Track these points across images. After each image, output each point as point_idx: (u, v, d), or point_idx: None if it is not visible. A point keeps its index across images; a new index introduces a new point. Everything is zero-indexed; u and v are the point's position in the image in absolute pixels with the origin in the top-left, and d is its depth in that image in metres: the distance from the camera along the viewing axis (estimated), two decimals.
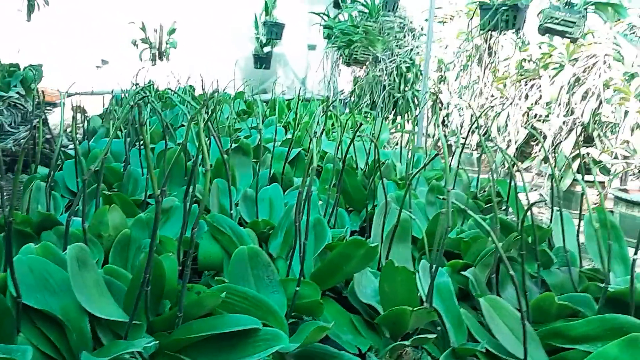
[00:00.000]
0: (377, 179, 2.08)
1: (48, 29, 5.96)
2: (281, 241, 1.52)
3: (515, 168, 2.11)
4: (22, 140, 5.72)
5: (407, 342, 1.00)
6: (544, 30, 2.65)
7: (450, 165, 2.31)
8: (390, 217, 1.62)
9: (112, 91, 4.84)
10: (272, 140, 2.59)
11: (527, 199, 1.60)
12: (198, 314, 1.03)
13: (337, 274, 1.21)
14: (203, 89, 3.71)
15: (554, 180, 2.05)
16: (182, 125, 3.23)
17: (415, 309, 0.99)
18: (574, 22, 2.49)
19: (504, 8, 2.71)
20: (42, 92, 5.62)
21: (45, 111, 5.81)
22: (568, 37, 2.64)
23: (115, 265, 1.22)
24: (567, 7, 2.50)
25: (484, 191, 2.36)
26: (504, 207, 2.08)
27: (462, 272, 1.31)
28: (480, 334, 1.16)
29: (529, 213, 1.41)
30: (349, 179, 2.04)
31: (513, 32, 3.21)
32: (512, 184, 1.86)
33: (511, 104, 5.62)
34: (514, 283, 1.05)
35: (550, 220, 1.77)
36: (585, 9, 2.53)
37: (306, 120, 3.72)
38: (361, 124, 2.12)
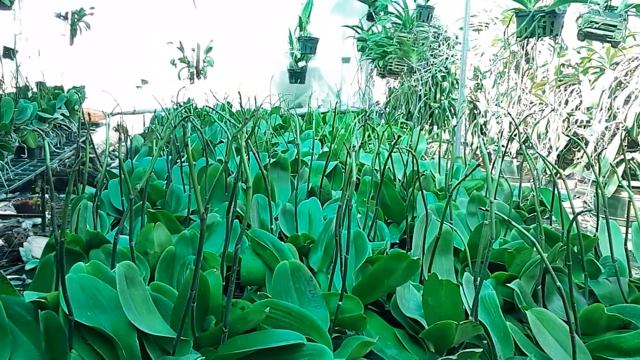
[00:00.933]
0: (417, 190, 2.08)
1: (90, 51, 6.17)
2: (321, 255, 1.53)
3: (557, 176, 2.06)
4: (66, 160, 5.90)
5: (453, 357, 0.99)
6: (584, 36, 2.60)
7: (491, 174, 2.28)
8: (431, 229, 1.61)
9: (155, 111, 4.97)
10: (309, 153, 2.61)
11: (572, 207, 1.56)
12: (243, 329, 1.04)
13: (379, 287, 1.21)
14: (241, 106, 3.76)
15: (598, 187, 2.00)
16: (221, 142, 3.28)
17: (460, 323, 0.98)
18: (615, 26, 2.43)
19: (540, 14, 2.66)
20: (88, 113, 5.81)
21: (89, 131, 5.99)
22: (609, 41, 2.58)
23: (161, 282, 1.24)
24: (607, 10, 2.44)
25: (527, 200, 2.32)
26: (547, 216, 2.04)
27: (507, 284, 1.28)
28: (527, 348, 1.14)
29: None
30: (388, 191, 2.04)
31: (551, 38, 3.15)
32: (556, 192, 1.83)
33: (552, 110, 5.52)
34: (561, 295, 1.03)
35: (596, 228, 1.73)
36: (626, 11, 2.47)
37: (342, 132, 3.73)
38: (399, 136, 2.12)
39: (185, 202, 2.02)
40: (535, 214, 1.94)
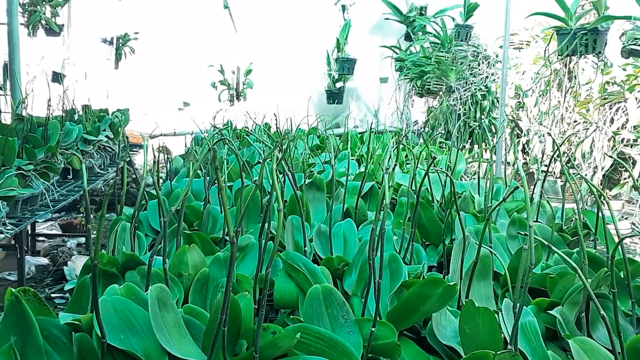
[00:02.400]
0: (454, 212, 2.04)
1: (134, 75, 6.34)
2: (356, 278, 1.51)
3: (601, 197, 1.99)
4: (110, 181, 6.04)
5: None
6: (628, 53, 2.53)
7: (532, 195, 2.22)
8: (470, 253, 1.57)
9: (192, 132, 5.05)
10: (345, 174, 2.60)
11: (616, 229, 1.50)
12: (274, 355, 1.02)
13: (414, 313, 1.18)
14: (277, 127, 3.80)
15: None
16: (259, 163, 3.30)
17: (498, 352, 0.94)
18: None
19: (582, 32, 2.61)
20: (127, 136, 5.93)
21: (131, 153, 6.14)
22: None
23: (194, 304, 1.24)
24: None
25: (570, 222, 2.25)
26: (591, 239, 1.96)
27: (549, 311, 1.23)
28: None
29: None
30: (425, 213, 2.01)
31: (594, 56, 3.08)
32: (600, 214, 1.76)
33: (596, 129, 5.37)
34: (606, 323, 0.98)
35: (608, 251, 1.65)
36: None
37: (379, 153, 3.71)
38: (434, 157, 2.08)
39: (221, 223, 2.03)
40: (579, 237, 1.88)
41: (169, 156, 3.89)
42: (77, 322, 1.01)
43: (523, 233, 1.40)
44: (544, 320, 1.31)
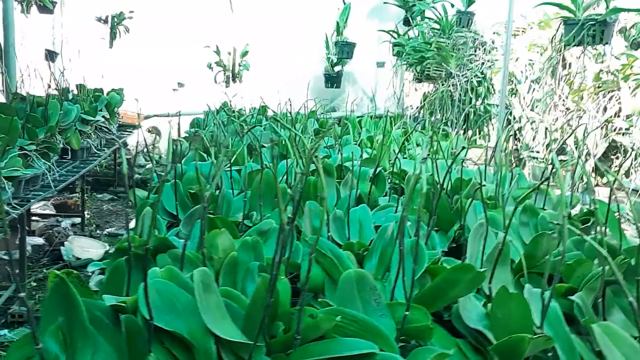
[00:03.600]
0: (464, 199, 2.08)
1: (128, 55, 6.28)
2: (376, 263, 1.54)
3: (615, 184, 2.04)
4: (103, 162, 5.98)
5: None
6: (638, 45, 2.57)
7: (541, 183, 2.26)
8: (487, 239, 1.62)
9: (190, 114, 5.02)
10: (349, 159, 2.63)
11: (635, 217, 1.55)
12: (312, 337, 1.06)
13: (441, 298, 1.22)
14: (288, 110, 3.78)
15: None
16: (263, 146, 3.31)
17: (534, 337, 0.98)
18: None
19: (590, 23, 2.64)
20: (122, 116, 5.88)
21: (125, 133, 6.10)
22: None
23: (224, 286, 1.27)
24: None
25: (572, 210, 2.30)
26: (598, 227, 2.01)
27: (570, 297, 1.28)
28: None
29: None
30: (434, 198, 2.04)
31: (603, 46, 3.12)
32: (609, 202, 1.81)
33: (589, 117, 5.44)
34: (634, 309, 1.02)
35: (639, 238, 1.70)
36: None
37: (380, 139, 3.73)
38: (463, 147, 2.12)
39: (235, 206, 2.05)
40: (591, 224, 1.93)
41: (158, 137, 3.85)
42: (122, 304, 1.03)
43: (555, 222, 1.43)
44: (561, 306, 1.36)
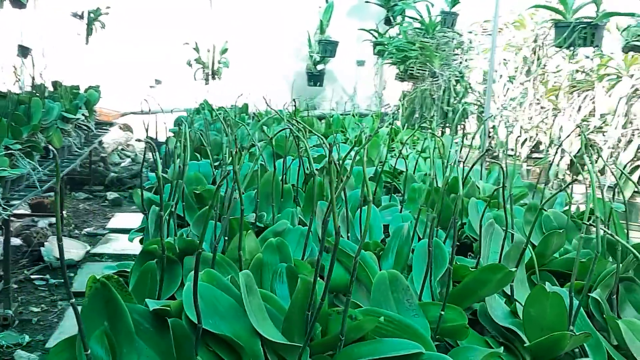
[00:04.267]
0: (466, 198, 2.12)
1: (105, 51, 6.17)
2: (393, 262, 1.56)
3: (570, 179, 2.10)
4: (85, 160, 5.87)
5: None
6: (629, 48, 2.65)
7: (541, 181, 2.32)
8: (495, 238, 1.66)
9: (172, 111, 4.96)
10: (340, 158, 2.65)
11: (626, 215, 1.60)
12: (354, 338, 1.07)
13: (470, 297, 1.25)
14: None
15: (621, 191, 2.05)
16: (253, 145, 3.30)
17: (575, 334, 1.02)
18: None
19: (582, 25, 2.72)
20: (99, 114, 5.76)
21: (102, 131, 5.99)
22: None
23: None
24: None
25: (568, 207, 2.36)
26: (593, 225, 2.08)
27: (589, 294, 1.32)
28: (617, 357, 1.18)
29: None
30: (438, 198, 2.07)
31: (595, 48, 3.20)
32: (611, 200, 1.87)
33: (564, 116, 5.57)
34: None
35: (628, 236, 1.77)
36: None
37: (368, 137, 3.75)
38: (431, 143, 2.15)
39: (239, 207, 2.04)
40: (596, 223, 1.98)
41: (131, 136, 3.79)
42: (166, 308, 1.03)
43: (588, 223, 1.47)
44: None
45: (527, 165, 6.46)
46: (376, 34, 5.44)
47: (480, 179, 2.69)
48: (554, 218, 1.94)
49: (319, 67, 5.57)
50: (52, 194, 5.82)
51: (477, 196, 2.33)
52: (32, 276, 3.98)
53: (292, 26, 5.89)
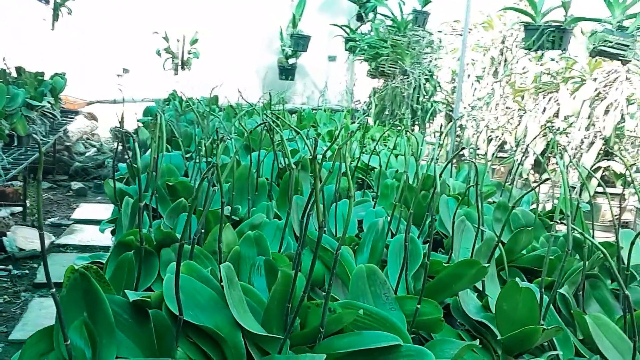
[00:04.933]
0: (437, 195, 2.15)
1: (71, 37, 6.02)
2: (368, 257, 1.59)
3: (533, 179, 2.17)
4: (50, 149, 5.74)
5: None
6: (597, 53, 2.74)
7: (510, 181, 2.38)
8: (466, 235, 1.71)
9: (143, 100, 4.89)
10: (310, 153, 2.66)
11: (613, 216, 1.66)
12: (333, 330, 1.09)
13: (445, 292, 1.28)
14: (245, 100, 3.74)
15: (588, 191, 2.12)
16: (228, 139, 3.28)
17: (548, 327, 1.05)
18: (627, 45, 2.57)
19: (550, 29, 2.79)
20: (64, 101, 5.63)
21: (67, 119, 5.86)
22: (621, 60, 2.72)
23: None
24: (619, 30, 2.58)
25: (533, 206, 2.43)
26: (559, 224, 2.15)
27: (558, 290, 1.37)
28: (584, 351, 1.23)
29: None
30: (411, 195, 2.11)
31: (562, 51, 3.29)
32: (575, 199, 1.93)
33: (530, 117, 5.70)
34: (627, 302, 1.11)
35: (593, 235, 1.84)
36: (638, 31, 2.61)
37: (340, 133, 3.78)
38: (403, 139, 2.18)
39: (216, 199, 2.04)
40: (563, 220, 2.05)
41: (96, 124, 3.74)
42: (147, 299, 1.03)
43: (558, 221, 1.51)
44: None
45: (492, 165, 6.60)
46: (348, 30, 5.46)
47: (450, 177, 2.75)
48: (522, 216, 1.99)
49: (291, 61, 5.56)
50: (14, 182, 5.67)
51: (448, 193, 2.37)
52: None
53: (264, 19, 5.86)
